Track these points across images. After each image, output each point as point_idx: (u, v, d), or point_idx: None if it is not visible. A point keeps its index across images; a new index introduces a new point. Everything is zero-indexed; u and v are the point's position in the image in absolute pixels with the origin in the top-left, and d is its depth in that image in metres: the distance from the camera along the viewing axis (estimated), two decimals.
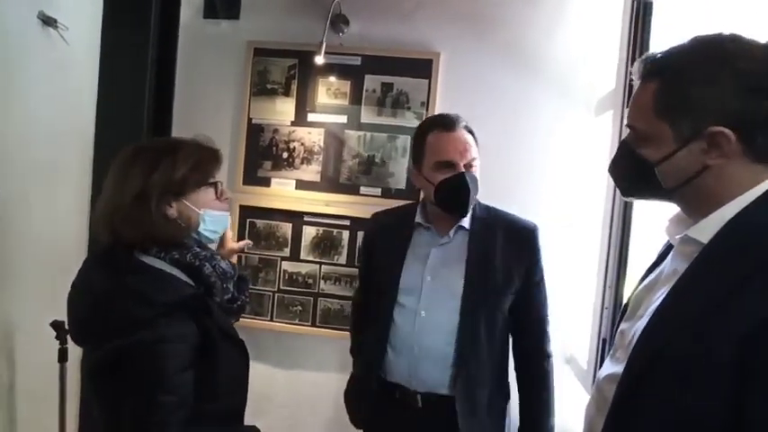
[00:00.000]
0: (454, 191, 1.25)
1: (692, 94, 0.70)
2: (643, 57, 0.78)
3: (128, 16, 1.71)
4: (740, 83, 0.68)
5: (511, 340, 1.39)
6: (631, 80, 0.81)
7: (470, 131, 1.31)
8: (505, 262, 1.31)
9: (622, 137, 1.56)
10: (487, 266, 1.30)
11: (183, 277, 0.98)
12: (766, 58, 0.68)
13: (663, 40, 1.45)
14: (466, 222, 1.34)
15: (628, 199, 0.91)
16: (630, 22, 1.56)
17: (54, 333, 1.50)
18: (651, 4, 1.51)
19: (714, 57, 0.70)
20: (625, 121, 0.82)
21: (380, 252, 1.41)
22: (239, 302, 1.08)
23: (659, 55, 0.76)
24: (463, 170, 1.25)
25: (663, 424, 0.70)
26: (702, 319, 0.68)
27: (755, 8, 1.39)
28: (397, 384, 1.33)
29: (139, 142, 1.06)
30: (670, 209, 0.86)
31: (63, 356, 1.57)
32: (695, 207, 0.77)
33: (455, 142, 1.26)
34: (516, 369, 1.40)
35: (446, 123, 1.28)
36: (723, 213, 0.72)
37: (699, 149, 0.72)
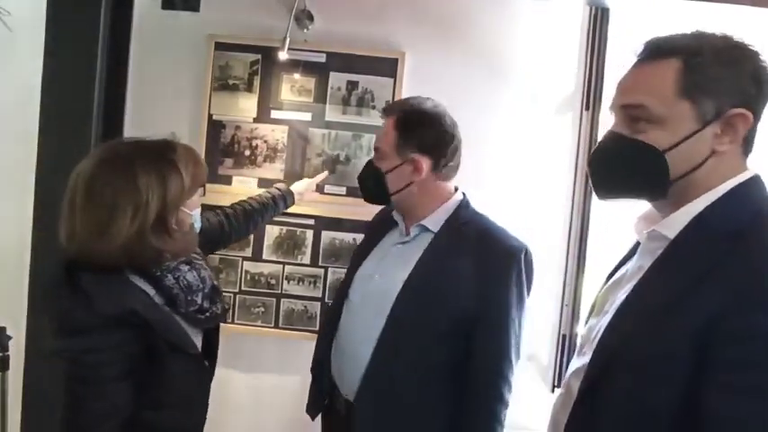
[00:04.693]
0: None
1: (718, 73, 0.70)
2: (648, 39, 0.75)
3: (77, 1, 1.60)
4: (753, 68, 0.70)
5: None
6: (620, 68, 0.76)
7: (401, 120, 1.26)
8: (462, 280, 1.12)
9: (583, 135, 1.61)
10: (437, 276, 1.14)
11: (143, 285, 0.94)
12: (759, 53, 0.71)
13: (620, 44, 1.51)
14: (430, 223, 1.21)
15: (605, 200, 0.82)
16: (588, 28, 1.61)
17: None
18: (608, 10, 1.56)
19: (730, 41, 0.71)
20: (620, 102, 0.76)
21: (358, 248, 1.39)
22: (208, 313, 1.03)
23: (667, 38, 0.74)
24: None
25: (622, 416, 0.71)
26: (660, 314, 0.69)
27: (707, 15, 1.46)
28: (334, 385, 1.25)
29: (109, 151, 0.94)
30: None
31: (4, 365, 1.46)
32: (674, 202, 0.75)
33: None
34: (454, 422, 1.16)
35: None
36: (692, 208, 0.73)
37: (712, 134, 0.71)
